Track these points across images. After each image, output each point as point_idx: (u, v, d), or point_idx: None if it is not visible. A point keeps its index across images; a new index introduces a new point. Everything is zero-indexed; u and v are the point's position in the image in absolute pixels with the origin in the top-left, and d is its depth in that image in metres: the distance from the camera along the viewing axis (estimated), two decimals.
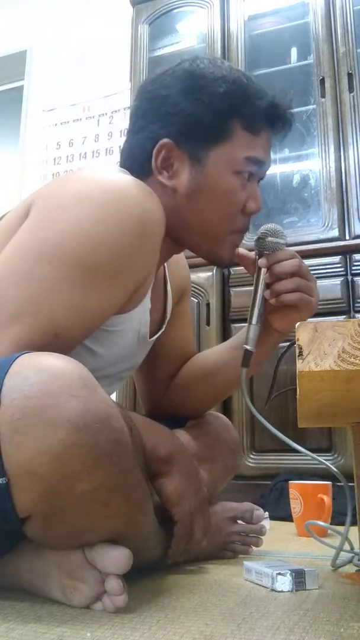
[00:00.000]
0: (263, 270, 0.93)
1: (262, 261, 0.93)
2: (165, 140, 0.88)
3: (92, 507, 0.65)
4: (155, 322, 1.01)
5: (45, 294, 0.72)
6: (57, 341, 0.72)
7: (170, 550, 0.84)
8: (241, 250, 0.96)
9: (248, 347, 0.93)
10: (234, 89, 0.89)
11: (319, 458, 0.94)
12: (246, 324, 0.96)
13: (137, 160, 0.92)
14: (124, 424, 0.67)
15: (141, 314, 0.90)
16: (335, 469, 0.93)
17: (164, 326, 1.07)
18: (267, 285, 0.94)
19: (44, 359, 0.64)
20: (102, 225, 0.74)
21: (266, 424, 0.93)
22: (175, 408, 1.11)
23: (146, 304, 0.91)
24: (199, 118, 0.87)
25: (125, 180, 0.80)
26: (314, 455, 0.94)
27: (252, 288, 0.95)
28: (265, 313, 0.96)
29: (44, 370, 0.62)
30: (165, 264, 1.07)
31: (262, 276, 0.94)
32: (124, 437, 0.66)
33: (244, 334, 0.96)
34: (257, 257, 0.96)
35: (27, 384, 0.61)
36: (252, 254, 0.96)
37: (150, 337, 1.00)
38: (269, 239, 0.94)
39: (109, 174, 0.82)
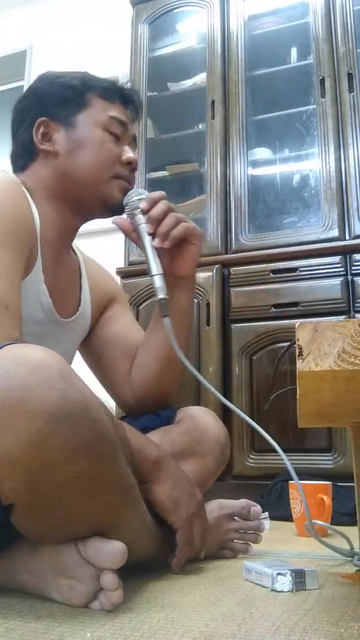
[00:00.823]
0: (142, 225, 1.01)
1: (142, 204, 1.02)
2: (41, 118, 1.05)
3: (76, 497, 0.66)
4: (67, 305, 1.08)
5: None
6: (8, 312, 0.80)
7: (174, 559, 0.86)
8: (115, 218, 1.06)
9: (161, 295, 0.97)
10: (83, 75, 1.10)
11: (284, 457, 0.94)
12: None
13: (21, 153, 1.08)
14: (103, 414, 0.68)
15: (36, 283, 0.97)
16: (288, 466, 0.92)
17: (78, 313, 1.11)
18: (153, 236, 1.01)
19: (23, 351, 0.66)
20: None
21: (215, 393, 0.93)
22: (145, 401, 1.12)
23: (38, 274, 0.97)
24: (62, 95, 1.06)
25: None
26: (283, 453, 0.94)
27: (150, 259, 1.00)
28: (165, 265, 1.01)
29: (24, 363, 0.64)
30: (83, 263, 1.17)
31: (144, 229, 1.01)
32: (103, 427, 0.68)
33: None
34: (130, 217, 1.04)
35: (7, 377, 0.63)
36: (126, 219, 1.05)
37: (64, 317, 1.05)
38: (133, 198, 1.04)
39: None
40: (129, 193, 1.06)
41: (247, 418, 0.92)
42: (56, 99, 1.07)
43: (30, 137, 1.06)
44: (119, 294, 1.26)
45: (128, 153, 1.07)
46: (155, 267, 0.98)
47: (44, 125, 1.05)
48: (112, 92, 1.09)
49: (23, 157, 1.08)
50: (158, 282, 0.97)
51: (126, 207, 1.04)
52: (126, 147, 1.08)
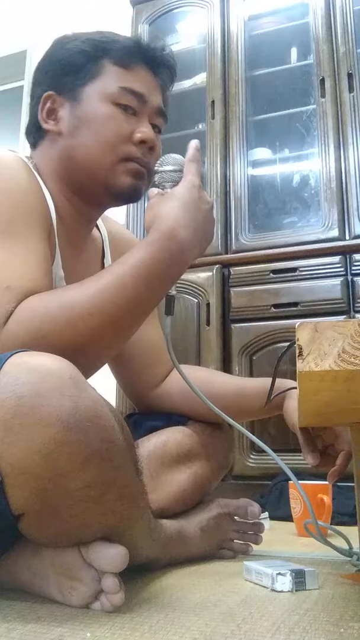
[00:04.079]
0: None
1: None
2: (47, 92, 0.94)
3: (85, 505, 0.66)
4: None
5: None
6: (9, 294, 0.74)
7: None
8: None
9: (172, 292, 0.87)
10: (100, 36, 0.95)
11: (275, 455, 0.94)
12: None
13: (30, 131, 0.98)
14: (114, 422, 0.68)
15: (57, 282, 0.90)
16: (283, 467, 0.92)
17: None
18: None
19: (35, 358, 0.65)
20: None
21: (198, 392, 0.91)
22: (163, 408, 1.11)
23: (58, 270, 0.90)
24: (69, 62, 0.93)
25: None
26: (274, 454, 0.94)
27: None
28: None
29: (35, 370, 0.63)
30: (107, 240, 1.07)
31: None
32: (114, 434, 0.67)
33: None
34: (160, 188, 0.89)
35: (19, 384, 0.62)
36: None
37: None
38: (164, 168, 0.90)
39: None
40: (161, 160, 0.91)
41: (232, 421, 0.91)
42: (63, 68, 0.93)
43: (37, 113, 0.95)
44: None
45: (142, 130, 0.91)
46: None
47: (50, 100, 0.94)
48: (131, 55, 0.93)
49: (33, 134, 0.98)
50: None
51: (156, 178, 0.90)
52: (144, 123, 0.92)
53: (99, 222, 1.07)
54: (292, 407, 1.03)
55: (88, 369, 0.81)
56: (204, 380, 1.06)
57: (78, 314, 0.74)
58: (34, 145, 0.97)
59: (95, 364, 0.84)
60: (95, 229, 1.06)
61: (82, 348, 0.75)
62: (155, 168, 0.91)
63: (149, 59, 0.94)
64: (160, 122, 0.97)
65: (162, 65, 0.97)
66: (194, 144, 0.89)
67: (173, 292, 0.87)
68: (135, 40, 0.95)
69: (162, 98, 0.97)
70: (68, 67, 0.93)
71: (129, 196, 0.94)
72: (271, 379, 1.04)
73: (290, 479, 1.49)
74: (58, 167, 0.93)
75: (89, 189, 0.94)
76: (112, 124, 0.90)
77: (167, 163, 0.90)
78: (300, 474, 1.72)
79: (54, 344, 0.72)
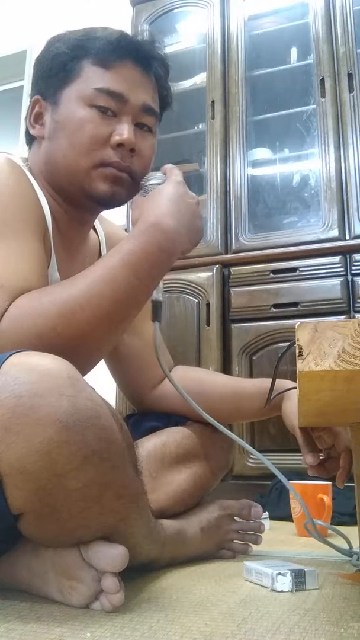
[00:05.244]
0: None
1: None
2: (35, 97, 0.94)
3: (84, 504, 0.66)
4: None
5: None
6: (3, 292, 0.74)
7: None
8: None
9: (158, 298, 0.87)
10: (80, 35, 0.92)
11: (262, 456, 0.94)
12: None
13: (26, 132, 0.97)
14: (113, 421, 0.68)
15: (51, 272, 0.91)
16: (271, 468, 0.92)
17: None
18: None
19: (33, 358, 0.65)
20: None
21: (185, 396, 0.91)
22: (162, 409, 1.11)
23: (54, 273, 0.91)
24: (51, 66, 0.92)
25: None
26: (258, 453, 0.93)
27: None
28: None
29: (34, 369, 0.63)
30: (104, 242, 1.07)
31: None
32: (113, 434, 0.67)
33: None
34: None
35: (18, 384, 0.62)
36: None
37: None
38: (150, 182, 0.90)
39: None
40: (146, 177, 0.91)
41: (219, 425, 0.91)
42: (45, 72, 0.93)
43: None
44: None
45: (119, 132, 0.88)
46: None
47: (37, 104, 0.94)
48: (112, 52, 0.89)
49: (27, 137, 0.98)
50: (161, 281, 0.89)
51: (141, 192, 0.90)
52: (124, 125, 0.89)
53: (96, 223, 1.07)
54: (291, 409, 1.03)
55: (84, 365, 0.81)
56: (202, 382, 1.06)
57: (70, 308, 0.75)
58: (29, 148, 0.98)
59: (91, 359, 0.84)
60: (92, 231, 1.06)
61: (76, 342, 0.75)
62: (141, 183, 0.91)
63: (134, 53, 0.90)
64: (149, 120, 0.93)
65: (150, 58, 0.93)
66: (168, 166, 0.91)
67: (160, 297, 0.87)
68: (119, 36, 0.91)
69: (152, 93, 0.94)
70: (49, 71, 0.92)
71: (108, 202, 0.92)
72: (269, 379, 1.04)
73: (290, 480, 1.50)
74: (44, 171, 0.93)
75: (71, 194, 0.93)
76: (87, 128, 0.87)
77: (151, 178, 0.91)
78: (302, 474, 1.72)
79: (49, 339, 0.73)
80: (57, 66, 0.91)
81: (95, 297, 0.76)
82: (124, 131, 0.88)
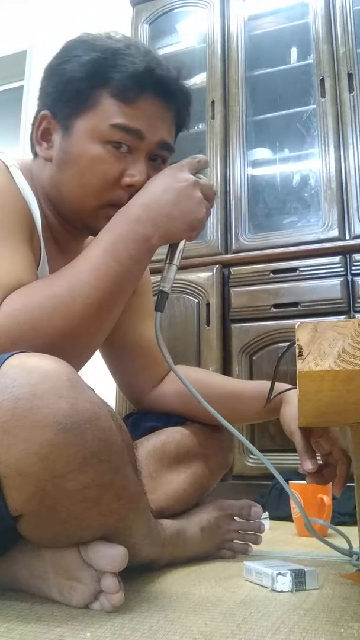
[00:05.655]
0: None
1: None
2: (43, 112, 0.89)
3: (84, 506, 0.66)
4: None
5: None
6: None
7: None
8: None
9: (165, 288, 0.86)
10: (103, 57, 0.84)
11: (264, 457, 0.93)
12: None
13: (30, 140, 0.93)
14: (112, 423, 0.68)
15: (42, 274, 0.89)
16: (270, 468, 0.92)
17: None
18: None
19: (32, 359, 0.65)
20: None
21: (194, 392, 0.90)
22: (161, 409, 1.11)
23: (43, 265, 0.90)
24: (65, 86, 0.86)
25: None
26: (259, 452, 0.93)
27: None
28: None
29: (32, 371, 0.63)
30: None
31: None
32: (112, 435, 0.67)
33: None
34: None
35: (16, 385, 0.62)
36: None
37: None
38: None
39: None
40: None
41: (227, 423, 0.91)
42: (59, 91, 0.87)
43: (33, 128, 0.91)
44: (144, 279, 1.10)
45: (132, 173, 0.85)
46: (177, 257, 0.88)
47: (46, 120, 0.89)
48: (135, 85, 0.83)
49: (31, 146, 0.94)
50: (172, 273, 0.87)
51: None
52: (138, 164, 0.85)
53: None
54: (290, 414, 1.03)
55: (79, 358, 0.82)
56: (200, 382, 1.06)
57: (63, 301, 0.75)
58: (34, 155, 0.94)
59: (85, 351, 0.84)
60: None
61: (70, 334, 0.76)
62: None
63: (159, 87, 0.85)
64: (164, 154, 0.90)
65: (174, 93, 0.88)
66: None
67: (166, 288, 0.87)
68: (143, 69, 0.84)
69: (170, 127, 0.90)
70: (62, 93, 0.86)
71: None
72: (268, 382, 1.04)
73: (290, 479, 1.50)
74: (47, 189, 0.91)
75: (72, 222, 0.92)
76: (98, 168, 0.84)
77: None
78: (302, 474, 1.72)
79: (44, 333, 0.73)
80: (72, 91, 0.85)
81: (83, 287, 0.77)
82: (136, 172, 0.85)
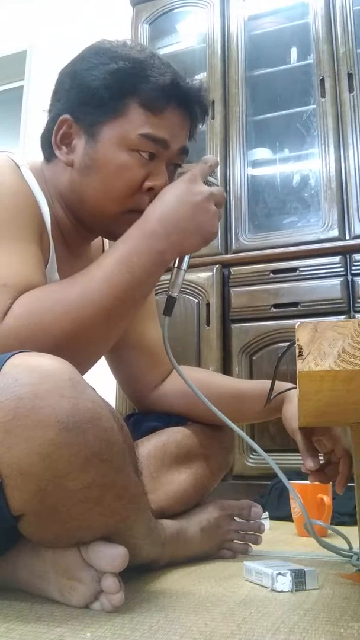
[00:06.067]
0: None
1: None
2: (64, 115, 0.89)
3: (85, 506, 0.66)
4: None
5: None
6: (6, 291, 0.75)
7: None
8: None
9: (173, 294, 0.89)
10: (131, 66, 0.87)
11: (268, 456, 0.93)
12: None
13: (45, 143, 0.94)
14: (114, 423, 0.68)
15: (50, 273, 0.90)
16: (274, 467, 0.92)
17: None
18: None
19: (34, 359, 0.65)
20: None
21: (197, 392, 0.90)
22: (162, 409, 1.11)
23: (53, 273, 0.91)
24: (93, 93, 0.87)
25: None
26: (264, 452, 0.93)
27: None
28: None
29: (34, 371, 0.63)
30: (108, 245, 1.06)
31: None
32: (114, 435, 0.67)
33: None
34: None
35: (18, 385, 0.62)
36: None
37: None
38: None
39: None
40: None
41: (228, 421, 0.91)
42: (84, 97, 0.87)
43: (52, 130, 0.90)
44: None
45: (156, 178, 0.87)
46: (186, 262, 0.89)
47: (66, 124, 0.89)
48: (163, 97, 0.86)
49: (46, 150, 0.94)
50: (180, 278, 0.89)
51: None
52: (160, 171, 0.88)
53: None
54: (291, 413, 1.03)
55: (85, 363, 0.82)
56: (202, 382, 1.06)
57: (74, 307, 0.76)
58: (47, 159, 0.94)
59: (92, 357, 0.85)
60: None
61: (79, 338, 0.76)
62: None
63: (183, 99, 0.88)
64: (181, 159, 0.93)
65: (195, 104, 0.91)
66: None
67: (175, 294, 0.89)
68: (170, 81, 0.87)
69: (187, 134, 0.93)
70: (90, 98, 0.87)
71: None
72: (269, 381, 1.04)
73: (290, 479, 1.50)
74: (65, 193, 0.91)
75: (90, 226, 0.94)
76: (125, 174, 0.86)
77: None
78: (302, 474, 1.72)
79: (53, 335, 0.74)
80: (99, 99, 0.86)
81: (95, 293, 0.77)
82: (158, 178, 0.88)
